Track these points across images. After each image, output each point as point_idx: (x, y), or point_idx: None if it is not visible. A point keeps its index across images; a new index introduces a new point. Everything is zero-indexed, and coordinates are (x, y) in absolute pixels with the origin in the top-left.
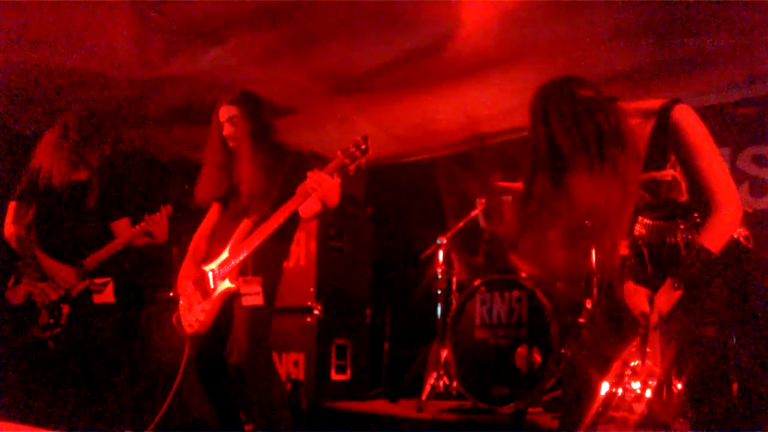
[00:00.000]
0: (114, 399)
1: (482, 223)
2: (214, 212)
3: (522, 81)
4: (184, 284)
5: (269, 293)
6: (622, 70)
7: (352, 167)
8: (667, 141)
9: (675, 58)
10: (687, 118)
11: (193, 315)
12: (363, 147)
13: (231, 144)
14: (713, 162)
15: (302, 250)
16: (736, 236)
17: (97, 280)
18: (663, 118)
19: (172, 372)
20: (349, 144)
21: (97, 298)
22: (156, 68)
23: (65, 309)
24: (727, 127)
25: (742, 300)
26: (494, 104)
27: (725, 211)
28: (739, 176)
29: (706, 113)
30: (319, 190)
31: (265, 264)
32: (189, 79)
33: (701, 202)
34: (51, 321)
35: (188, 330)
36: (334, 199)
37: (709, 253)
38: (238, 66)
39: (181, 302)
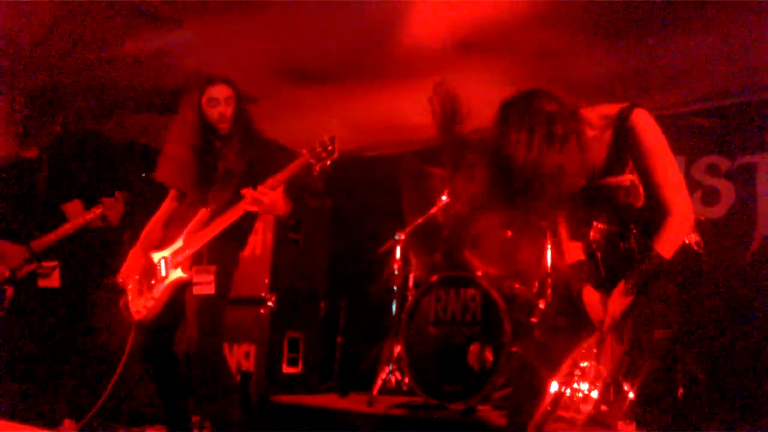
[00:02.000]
0: (54, 387)
1: (441, 219)
2: (171, 198)
3: (483, 81)
4: (133, 270)
5: (223, 284)
6: (584, 80)
7: (317, 167)
8: (624, 146)
9: (638, 68)
10: (643, 123)
11: (141, 301)
12: (330, 148)
13: (222, 125)
14: (667, 168)
15: (258, 240)
16: (688, 242)
17: (45, 264)
18: (621, 123)
19: (118, 359)
20: (315, 141)
21: (42, 282)
22: (113, 48)
23: (9, 292)
24: (683, 137)
25: (692, 305)
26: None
27: (677, 217)
28: (693, 185)
29: (662, 122)
30: (260, 208)
31: (220, 253)
32: (146, 61)
33: (655, 207)
34: None
35: (135, 316)
36: (278, 210)
37: (662, 259)
38: (197, 50)
39: (129, 287)
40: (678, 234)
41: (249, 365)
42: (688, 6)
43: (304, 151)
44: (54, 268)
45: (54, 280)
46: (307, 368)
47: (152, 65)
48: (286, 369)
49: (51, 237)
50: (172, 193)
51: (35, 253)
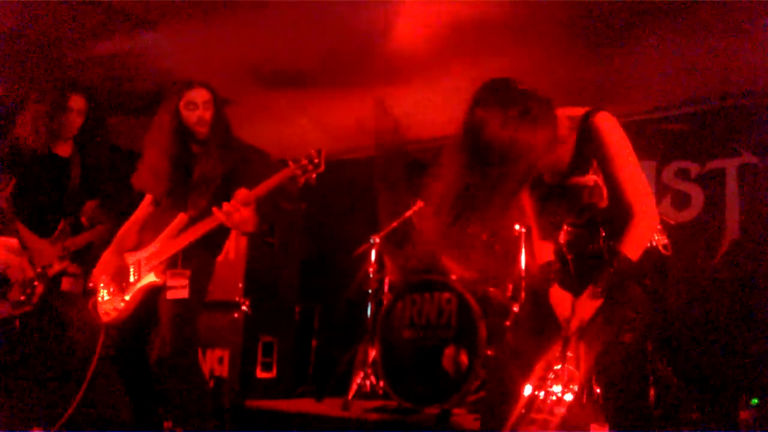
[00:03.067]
0: (22, 393)
1: (417, 223)
2: (147, 203)
3: (453, 89)
4: (105, 271)
5: (198, 288)
6: (556, 82)
7: (301, 180)
8: (588, 147)
9: (610, 75)
10: (607, 126)
11: (111, 304)
12: (316, 161)
13: (200, 129)
14: (630, 170)
15: (232, 244)
16: (655, 244)
17: (72, 268)
18: (585, 124)
19: (88, 363)
20: (300, 153)
21: (65, 285)
22: (84, 48)
23: (39, 288)
24: (653, 142)
25: (660, 308)
26: (429, 111)
27: (641, 218)
28: (663, 189)
29: (633, 127)
30: (229, 221)
31: (196, 258)
32: (118, 62)
33: (619, 209)
34: (23, 298)
35: (104, 318)
36: (247, 228)
37: (629, 261)
38: (171, 52)
39: (99, 289)
40: (643, 235)
41: (222, 371)
42: (659, 14)
43: (290, 162)
44: (81, 274)
45: (78, 285)
46: (282, 373)
47: (125, 67)
48: (260, 374)
49: (86, 236)
50: (148, 197)
51: (69, 251)
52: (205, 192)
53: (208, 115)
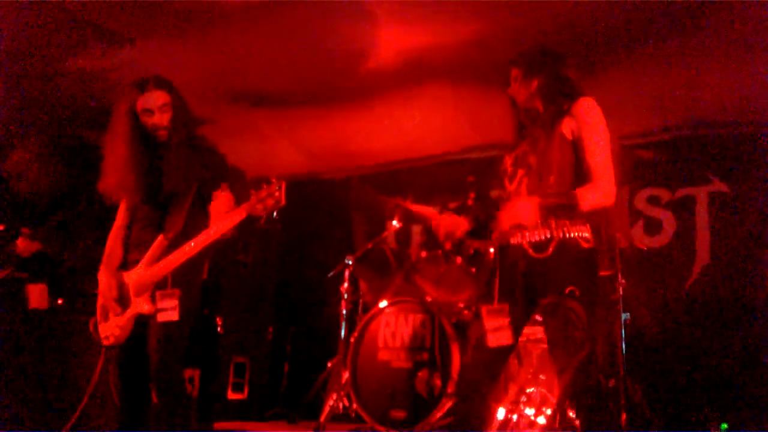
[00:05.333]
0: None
1: (392, 244)
2: (122, 212)
3: (429, 112)
4: (109, 291)
5: (188, 308)
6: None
7: (263, 219)
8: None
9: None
10: (584, 108)
11: (110, 328)
12: (276, 194)
13: (161, 133)
14: (597, 146)
15: (206, 262)
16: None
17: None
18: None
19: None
20: (277, 173)
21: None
22: (58, 62)
23: None
24: (626, 169)
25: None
26: (403, 133)
27: (598, 182)
28: (635, 215)
29: None
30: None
31: (186, 278)
32: (92, 78)
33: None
34: None
35: (104, 342)
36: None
37: (576, 198)
38: (147, 69)
39: (101, 311)
40: (596, 193)
41: (192, 391)
42: (631, 43)
43: (252, 192)
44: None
45: (44, 302)
46: (253, 394)
47: (99, 82)
48: (232, 395)
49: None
50: (122, 206)
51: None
52: (180, 210)
53: (165, 119)
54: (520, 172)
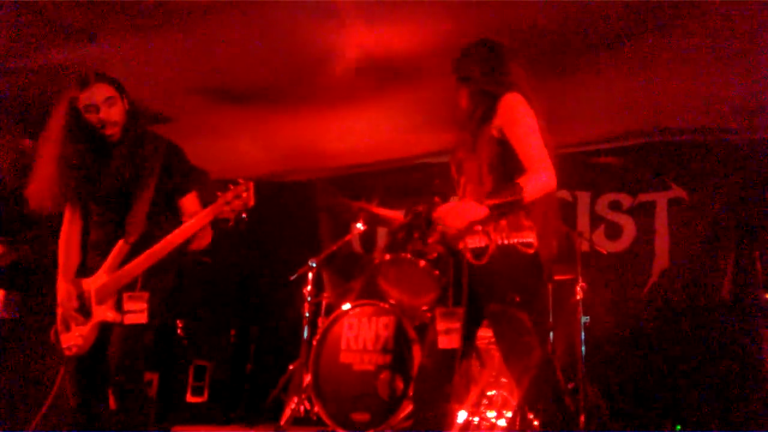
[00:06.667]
0: None
1: (357, 247)
2: (70, 215)
3: (396, 115)
4: (68, 300)
5: (154, 310)
6: None
7: (231, 221)
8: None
9: (545, 108)
10: (506, 105)
11: (71, 338)
12: (244, 195)
13: (109, 131)
14: (525, 138)
15: None
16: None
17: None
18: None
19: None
20: (241, 173)
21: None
22: (19, 59)
23: None
24: (588, 174)
25: (594, 334)
26: (369, 135)
27: (536, 169)
28: (597, 220)
29: (568, 160)
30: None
31: (154, 284)
32: (54, 75)
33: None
34: None
35: (67, 353)
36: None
37: (521, 189)
38: (111, 66)
39: (61, 319)
40: (536, 180)
41: (151, 394)
42: (591, 50)
43: (218, 194)
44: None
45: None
46: (214, 397)
47: (63, 80)
48: (191, 398)
49: None
50: (67, 211)
51: None
52: (140, 215)
53: (113, 114)
54: (462, 179)
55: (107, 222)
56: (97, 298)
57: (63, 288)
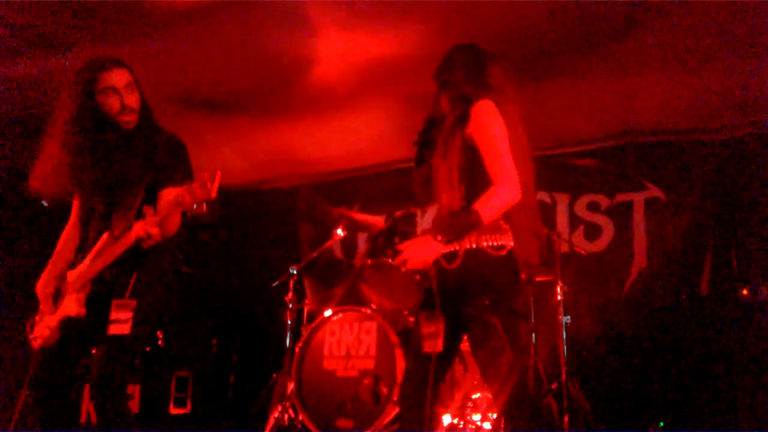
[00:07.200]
0: None
1: (337, 254)
2: (75, 210)
3: (374, 125)
4: (41, 292)
5: (142, 321)
6: None
7: (189, 212)
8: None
9: (523, 111)
10: (476, 112)
11: (39, 329)
12: (207, 185)
13: (127, 118)
14: (491, 147)
15: None
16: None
17: None
18: (466, 108)
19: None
20: (198, 178)
21: None
22: None
23: None
24: (566, 176)
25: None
26: (348, 142)
27: (497, 184)
28: (575, 221)
29: (547, 161)
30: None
31: (148, 288)
32: (30, 85)
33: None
34: None
35: (33, 343)
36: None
37: (477, 215)
38: None
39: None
40: (497, 199)
41: (133, 406)
42: (568, 52)
43: (185, 185)
44: None
45: None
46: (196, 408)
47: (37, 90)
48: (174, 410)
49: None
50: (75, 203)
51: None
52: (132, 204)
53: (133, 100)
54: (435, 185)
55: (105, 216)
56: (73, 286)
57: (44, 275)
